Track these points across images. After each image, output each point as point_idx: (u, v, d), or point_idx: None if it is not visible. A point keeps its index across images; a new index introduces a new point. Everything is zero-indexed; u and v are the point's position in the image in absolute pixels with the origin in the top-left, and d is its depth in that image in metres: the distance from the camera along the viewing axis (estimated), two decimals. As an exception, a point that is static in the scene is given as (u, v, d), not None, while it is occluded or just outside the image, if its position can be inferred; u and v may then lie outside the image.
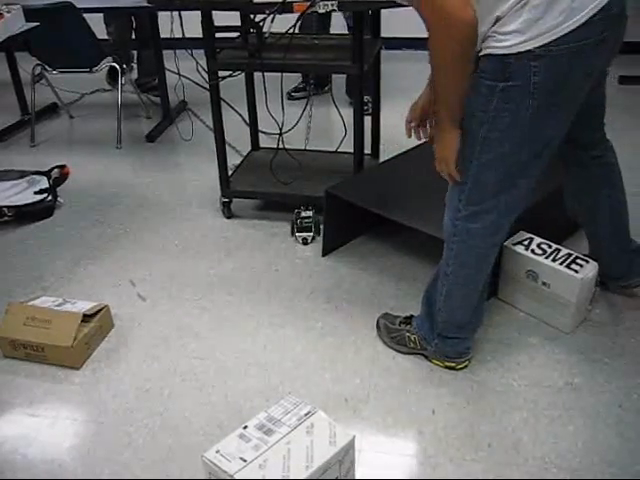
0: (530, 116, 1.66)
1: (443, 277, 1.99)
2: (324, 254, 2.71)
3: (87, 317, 2.28)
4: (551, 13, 1.53)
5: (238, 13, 2.82)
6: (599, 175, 2.20)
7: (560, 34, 1.55)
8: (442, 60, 1.60)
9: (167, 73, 4.04)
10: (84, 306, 2.33)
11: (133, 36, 4.45)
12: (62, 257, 2.84)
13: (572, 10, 1.54)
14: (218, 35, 2.72)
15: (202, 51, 2.69)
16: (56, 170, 3.46)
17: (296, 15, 2.45)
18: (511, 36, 1.57)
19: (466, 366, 2.12)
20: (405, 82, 4.44)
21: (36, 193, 3.25)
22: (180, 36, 2.83)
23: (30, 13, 3.54)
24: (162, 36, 3.89)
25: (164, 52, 4.02)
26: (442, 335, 2.07)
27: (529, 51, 1.57)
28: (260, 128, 3.34)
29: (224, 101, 2.97)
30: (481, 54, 1.64)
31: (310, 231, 2.74)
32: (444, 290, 2.00)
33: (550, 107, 1.67)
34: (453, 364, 2.11)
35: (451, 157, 1.76)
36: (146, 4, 3.38)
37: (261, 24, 2.57)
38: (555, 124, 1.73)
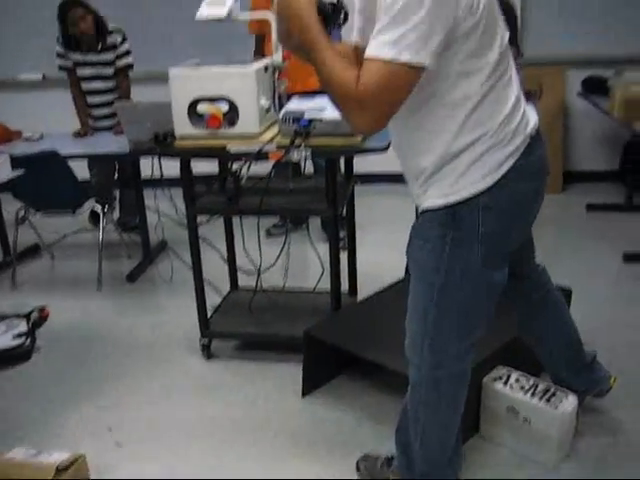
0: (481, 259, 1.72)
1: (414, 422, 1.97)
2: (304, 394, 2.70)
3: (61, 470, 2.22)
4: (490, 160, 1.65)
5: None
6: (539, 303, 2.25)
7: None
8: (332, 87, 1.58)
9: (148, 212, 4.13)
10: (59, 457, 2.26)
11: (116, 176, 4.59)
12: (38, 404, 2.79)
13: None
14: (197, 172, 2.84)
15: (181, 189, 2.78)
16: (35, 312, 3.45)
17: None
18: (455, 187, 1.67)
19: (455, 502, 2.07)
20: (380, 216, 4.60)
21: (15, 337, 3.24)
22: (160, 176, 2.93)
23: (16, 161, 3.67)
24: (143, 176, 4.01)
25: (145, 191, 4.13)
26: (424, 478, 2.03)
27: (476, 201, 1.66)
28: (240, 265, 3.39)
29: (204, 240, 3.04)
30: (425, 206, 1.73)
31: None
32: (418, 436, 1.97)
33: (497, 252, 1.75)
34: None
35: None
36: (129, 150, 3.51)
37: (238, 172, 2.69)
38: (502, 264, 1.80)
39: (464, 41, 1.53)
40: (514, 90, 1.69)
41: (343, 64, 1.56)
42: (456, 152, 1.65)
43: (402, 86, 1.51)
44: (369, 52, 1.51)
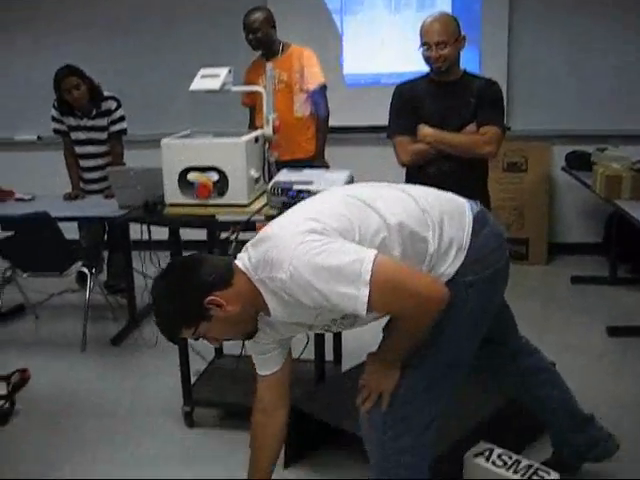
0: (464, 334, 1.85)
1: None
2: (287, 465, 2.66)
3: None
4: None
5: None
6: (531, 370, 2.31)
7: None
8: (416, 332, 1.73)
9: (136, 275, 4.14)
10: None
11: (105, 237, 4.62)
12: (14, 469, 2.74)
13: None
14: (185, 237, 2.87)
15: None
16: (16, 374, 3.43)
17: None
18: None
19: None
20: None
21: (-7, 401, 3.20)
22: (148, 239, 2.94)
23: (7, 222, 3.69)
24: (133, 237, 4.02)
25: (134, 253, 4.14)
26: None
27: (463, 279, 1.77)
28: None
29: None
30: None
31: None
32: None
33: (480, 326, 1.88)
34: None
35: (391, 388, 1.85)
36: (120, 214, 3.55)
37: (226, 240, 2.71)
38: (477, 334, 1.91)
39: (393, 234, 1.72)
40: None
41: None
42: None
43: (389, 271, 1.61)
44: (350, 305, 1.59)
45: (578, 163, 4.66)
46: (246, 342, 1.98)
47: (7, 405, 3.19)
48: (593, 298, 4.39)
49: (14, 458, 2.84)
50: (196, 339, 1.79)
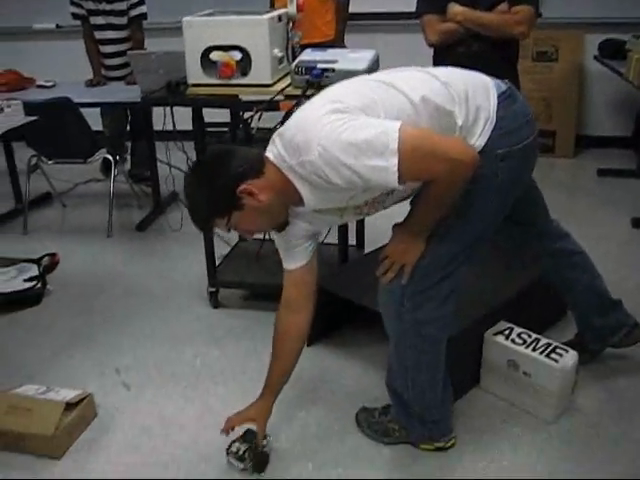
0: (493, 207, 1.86)
1: (403, 371, 2.04)
2: (309, 344, 2.73)
3: (70, 405, 2.28)
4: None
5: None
6: (561, 252, 2.34)
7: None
8: (446, 198, 1.73)
9: (159, 164, 4.15)
10: (68, 394, 2.33)
11: (128, 127, 4.60)
12: (48, 345, 2.85)
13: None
14: (208, 120, 2.84)
15: (192, 143, 2.79)
16: (46, 258, 3.50)
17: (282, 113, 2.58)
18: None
19: (454, 444, 2.14)
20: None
21: (25, 281, 3.29)
22: (172, 128, 2.94)
23: (30, 107, 3.67)
24: (155, 128, 4.01)
25: (157, 143, 4.14)
26: (422, 420, 2.10)
27: (495, 152, 1.76)
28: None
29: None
30: None
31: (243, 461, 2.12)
32: (409, 382, 2.04)
33: (508, 194, 1.88)
34: (442, 444, 2.14)
35: (414, 261, 1.87)
36: (141, 99, 3.51)
37: (249, 121, 2.69)
38: (503, 209, 1.91)
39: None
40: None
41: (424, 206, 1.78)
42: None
43: (417, 137, 1.61)
44: (382, 177, 1.59)
45: (611, 52, 4.50)
46: (275, 237, 1.99)
47: (39, 286, 3.28)
48: (619, 191, 4.34)
49: (49, 333, 2.95)
50: (228, 230, 1.80)
